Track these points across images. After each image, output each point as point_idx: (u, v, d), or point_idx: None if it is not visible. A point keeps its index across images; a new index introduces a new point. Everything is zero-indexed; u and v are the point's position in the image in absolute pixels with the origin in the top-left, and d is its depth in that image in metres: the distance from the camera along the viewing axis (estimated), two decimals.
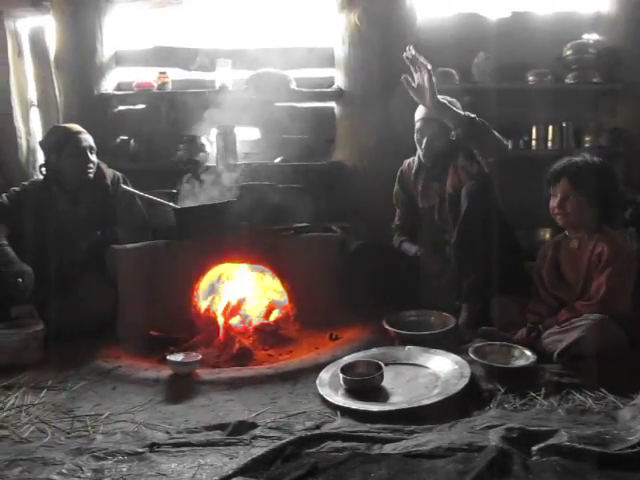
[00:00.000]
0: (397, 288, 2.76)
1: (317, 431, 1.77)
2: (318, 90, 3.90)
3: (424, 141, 2.94)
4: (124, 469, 1.61)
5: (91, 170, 3.06)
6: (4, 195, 3.01)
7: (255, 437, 1.77)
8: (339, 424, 1.84)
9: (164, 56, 4.05)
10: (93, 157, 3.08)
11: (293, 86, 3.84)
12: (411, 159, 3.17)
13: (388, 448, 1.63)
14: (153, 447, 1.73)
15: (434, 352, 2.33)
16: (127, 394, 2.25)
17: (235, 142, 3.62)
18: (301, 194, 3.20)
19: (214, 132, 3.65)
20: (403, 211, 3.21)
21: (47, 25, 4.10)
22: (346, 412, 1.95)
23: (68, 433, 1.91)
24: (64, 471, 1.59)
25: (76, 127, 3.13)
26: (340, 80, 3.86)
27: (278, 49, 3.94)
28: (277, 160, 3.81)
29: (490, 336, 2.45)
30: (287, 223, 3.00)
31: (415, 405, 1.94)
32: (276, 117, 3.79)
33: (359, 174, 3.75)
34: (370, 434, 1.72)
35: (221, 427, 1.87)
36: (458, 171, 2.88)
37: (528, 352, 2.22)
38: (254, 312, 2.86)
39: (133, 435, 1.85)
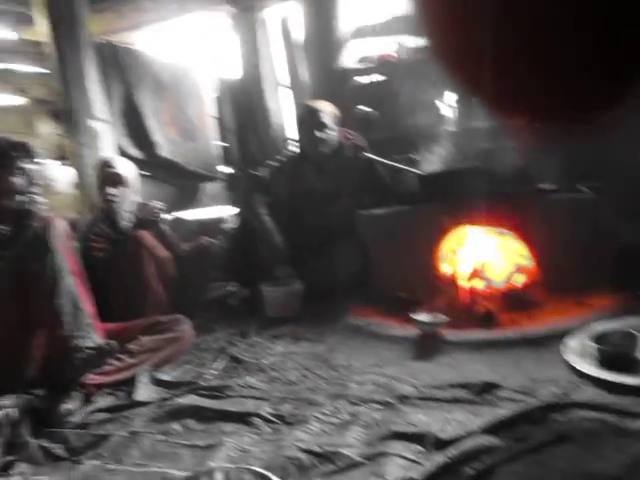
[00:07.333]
0: None
1: (565, 399, 1.71)
2: None
3: None
4: (377, 416, 1.75)
5: (321, 144, 3.20)
6: (263, 169, 3.38)
7: (500, 398, 1.78)
8: (589, 394, 1.75)
9: (401, 26, 4.08)
10: (326, 132, 3.19)
11: None
12: None
13: None
14: (402, 399, 1.84)
15: None
16: (377, 349, 2.41)
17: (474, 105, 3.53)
18: (546, 154, 3.02)
19: (450, 96, 3.60)
20: None
21: (293, 13, 4.48)
22: (596, 382, 1.82)
23: (326, 380, 2.13)
24: (326, 411, 1.80)
25: (312, 104, 3.31)
26: None
27: None
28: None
29: None
30: (532, 185, 2.86)
31: None
32: None
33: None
34: (625, 407, 1.60)
35: (466, 386, 1.90)
36: None
37: None
38: (497, 276, 2.81)
39: (383, 387, 1.99)
